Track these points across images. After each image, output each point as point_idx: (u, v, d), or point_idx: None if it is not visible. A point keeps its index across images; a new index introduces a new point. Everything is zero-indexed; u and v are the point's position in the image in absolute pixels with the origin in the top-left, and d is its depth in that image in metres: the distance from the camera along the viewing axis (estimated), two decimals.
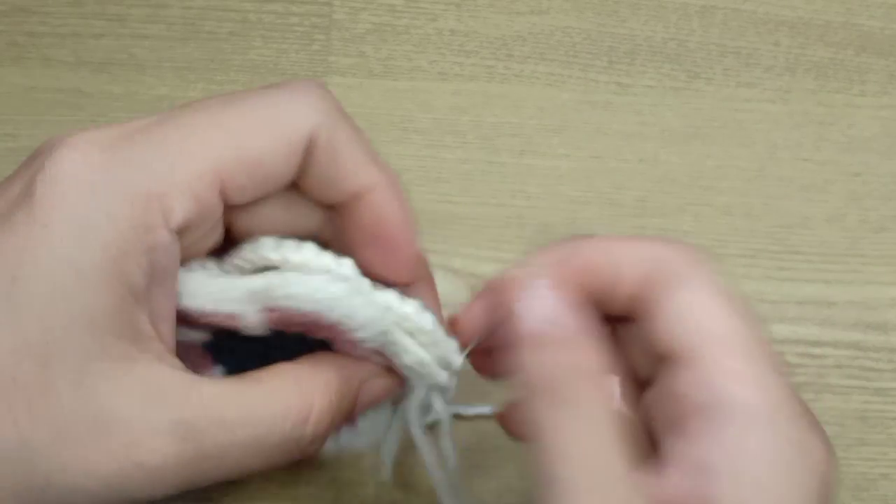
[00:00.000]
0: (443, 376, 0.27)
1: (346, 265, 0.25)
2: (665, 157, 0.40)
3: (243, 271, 0.26)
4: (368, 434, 0.29)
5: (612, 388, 0.23)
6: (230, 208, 0.25)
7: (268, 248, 0.25)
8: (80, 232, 0.22)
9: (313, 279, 0.25)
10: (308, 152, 0.25)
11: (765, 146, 0.40)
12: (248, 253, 0.26)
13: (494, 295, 0.26)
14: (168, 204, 0.23)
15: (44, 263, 0.22)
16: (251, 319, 0.26)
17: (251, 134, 0.24)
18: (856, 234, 0.39)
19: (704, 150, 0.40)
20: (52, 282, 0.22)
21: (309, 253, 0.25)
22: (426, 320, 0.26)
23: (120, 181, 0.23)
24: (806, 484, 0.22)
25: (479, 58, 0.41)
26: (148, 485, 0.23)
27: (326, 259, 0.25)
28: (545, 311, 0.23)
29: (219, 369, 0.28)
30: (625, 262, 0.24)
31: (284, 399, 0.24)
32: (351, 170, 0.25)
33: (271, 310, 0.25)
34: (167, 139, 0.23)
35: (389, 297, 0.26)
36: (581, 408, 0.22)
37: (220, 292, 0.25)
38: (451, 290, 0.37)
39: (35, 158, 0.24)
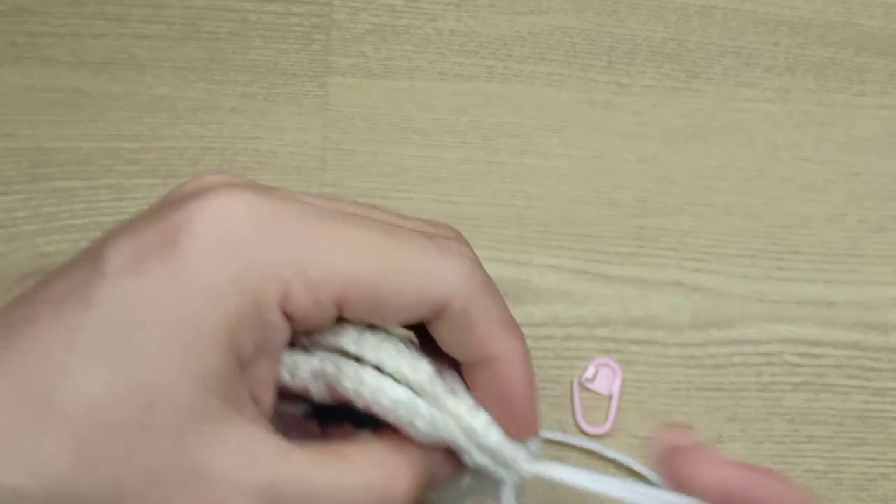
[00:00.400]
0: (509, 477, 0.27)
1: (423, 372, 0.25)
2: (665, 157, 0.40)
3: (319, 349, 0.26)
4: None
5: None
6: None
7: (348, 340, 0.25)
8: (208, 293, 0.22)
9: (380, 380, 0.25)
10: (440, 313, 0.25)
11: (765, 146, 0.40)
12: (329, 338, 0.26)
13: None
14: (289, 292, 0.23)
15: (169, 314, 0.22)
16: (321, 394, 0.26)
17: (390, 273, 0.24)
18: (856, 234, 0.39)
19: (704, 150, 0.40)
20: (172, 336, 0.22)
21: (385, 354, 0.25)
22: (492, 438, 0.26)
23: (258, 256, 0.23)
24: None
25: (479, 58, 0.41)
26: None
27: (403, 364, 0.25)
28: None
29: (301, 406, 0.28)
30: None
31: (368, 476, 0.25)
32: (480, 339, 0.25)
33: (337, 394, 0.26)
34: (310, 233, 0.24)
35: (461, 408, 0.26)
36: None
37: (293, 366, 0.26)
38: None
39: (183, 199, 0.23)
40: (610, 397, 0.36)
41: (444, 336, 0.25)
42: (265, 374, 0.25)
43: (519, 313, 0.37)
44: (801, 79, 0.41)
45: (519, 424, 0.26)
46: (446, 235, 0.26)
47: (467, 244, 0.26)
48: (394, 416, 0.25)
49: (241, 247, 0.23)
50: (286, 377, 0.26)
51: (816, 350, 0.38)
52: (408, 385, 0.25)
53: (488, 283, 0.26)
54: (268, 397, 0.25)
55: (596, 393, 0.37)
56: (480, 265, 0.26)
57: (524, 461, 0.27)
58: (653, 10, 0.42)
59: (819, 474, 0.36)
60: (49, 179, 0.38)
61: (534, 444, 0.27)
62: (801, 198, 0.40)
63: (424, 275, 0.24)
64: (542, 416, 0.36)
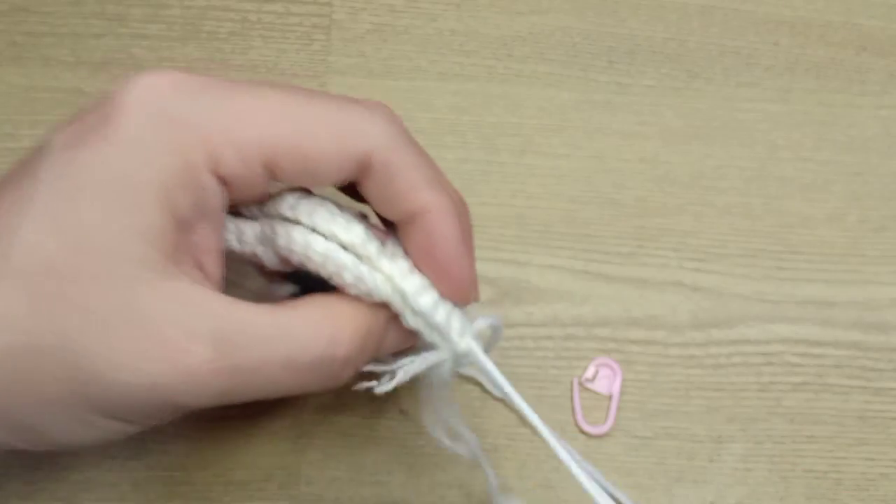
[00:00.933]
0: (446, 348, 0.28)
1: (356, 231, 0.27)
2: (665, 157, 0.40)
3: (264, 217, 0.28)
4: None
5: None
6: None
7: (285, 205, 0.27)
8: (142, 156, 0.24)
9: (307, 236, 0.27)
10: (365, 168, 0.26)
11: (765, 146, 0.40)
12: (270, 206, 0.28)
13: None
14: (218, 154, 0.25)
15: (107, 177, 0.24)
16: (271, 259, 0.28)
17: (312, 130, 0.26)
18: (856, 234, 0.39)
19: (704, 150, 0.40)
20: (111, 195, 0.24)
21: (319, 218, 0.27)
22: (422, 300, 0.27)
23: (184, 120, 0.25)
24: None
25: (480, 58, 0.41)
26: (184, 389, 0.24)
27: (335, 225, 0.27)
28: None
29: (289, 287, 0.30)
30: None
31: (317, 322, 0.26)
32: (404, 192, 0.26)
33: (282, 256, 0.28)
34: (236, 101, 0.25)
35: (394, 269, 0.27)
36: None
37: (239, 232, 0.28)
38: None
39: (115, 91, 0.26)
40: (610, 397, 0.36)
41: (373, 193, 0.27)
42: (206, 241, 0.26)
43: (519, 313, 0.37)
44: (801, 79, 0.41)
45: (450, 282, 0.27)
46: (369, 100, 0.27)
47: (390, 110, 0.27)
48: (326, 271, 0.27)
49: (169, 114, 0.25)
50: (234, 243, 0.28)
51: (817, 350, 0.38)
52: (342, 246, 0.26)
53: (411, 140, 0.27)
54: (213, 265, 0.27)
55: (596, 393, 0.37)
56: (402, 125, 0.27)
57: (456, 332, 0.27)
58: (653, 10, 0.42)
59: (819, 474, 0.36)
60: None
61: (482, 323, 0.28)
62: (801, 198, 0.40)
63: (345, 130, 0.26)
64: (542, 417, 0.36)
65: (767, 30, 0.42)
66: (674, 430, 0.37)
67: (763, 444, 0.37)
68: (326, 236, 0.27)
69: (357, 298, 0.27)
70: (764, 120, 0.41)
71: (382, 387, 0.28)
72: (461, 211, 0.27)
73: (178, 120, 0.25)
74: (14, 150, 0.38)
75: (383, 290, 0.26)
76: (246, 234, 0.28)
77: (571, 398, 0.36)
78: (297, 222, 0.27)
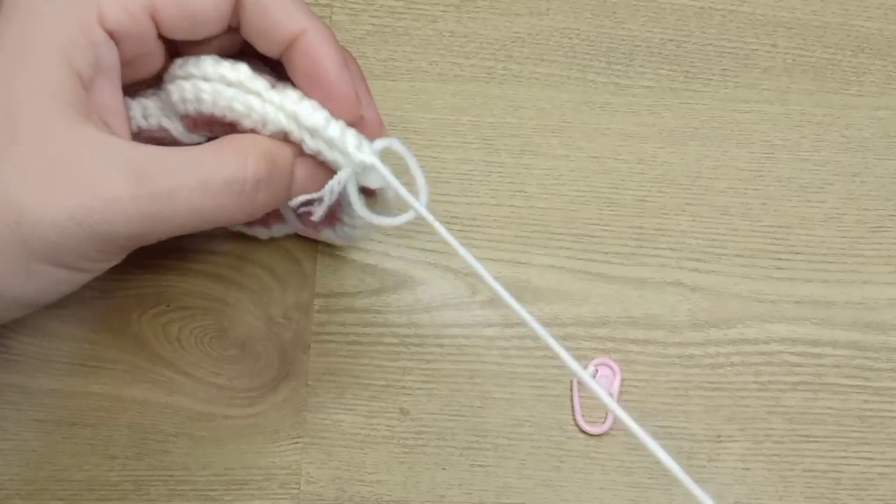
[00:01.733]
0: (347, 164, 0.29)
1: (242, 70, 0.29)
2: (663, 158, 0.40)
3: (161, 91, 0.30)
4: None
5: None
6: (176, 44, 0.30)
7: (175, 67, 0.30)
8: (34, 20, 0.27)
9: (195, 81, 0.29)
10: (238, 5, 0.29)
11: (763, 146, 0.41)
12: (164, 74, 0.30)
13: None
14: (103, 9, 0.27)
15: (8, 47, 0.27)
16: (179, 129, 0.31)
17: None
18: (854, 234, 0.39)
19: (703, 151, 0.40)
20: (15, 61, 0.26)
21: (206, 65, 0.29)
22: (315, 119, 0.29)
23: None
24: None
25: (479, 59, 0.41)
26: (108, 218, 0.26)
27: (222, 68, 0.29)
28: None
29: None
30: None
31: (223, 150, 0.28)
32: (279, 19, 0.29)
33: (185, 116, 0.30)
34: None
35: (284, 98, 0.29)
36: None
37: (144, 110, 0.31)
38: (450, 290, 0.37)
39: None
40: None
41: (252, 29, 0.29)
42: (109, 99, 0.29)
43: None
44: (798, 80, 0.41)
45: (337, 100, 0.29)
46: None
47: None
48: (220, 111, 0.29)
49: None
50: (140, 120, 0.31)
51: (815, 350, 0.38)
52: (229, 85, 0.29)
53: None
54: (119, 124, 0.29)
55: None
56: None
57: (353, 146, 0.29)
58: (651, 11, 0.42)
59: (818, 474, 0.37)
60: None
61: (380, 142, 0.29)
62: (799, 198, 0.40)
63: None
64: (542, 416, 0.36)
65: (765, 31, 0.42)
66: (673, 429, 0.37)
67: (762, 444, 0.37)
68: (215, 80, 0.29)
69: (263, 137, 0.29)
70: (762, 121, 0.41)
71: (318, 212, 0.30)
72: (332, 33, 0.30)
73: None
74: None
75: (276, 117, 0.29)
76: (149, 109, 0.31)
77: (571, 397, 0.37)
78: (187, 77, 0.29)
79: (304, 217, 0.33)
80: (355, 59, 0.32)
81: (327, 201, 0.30)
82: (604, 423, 0.36)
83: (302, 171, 0.30)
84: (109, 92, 0.29)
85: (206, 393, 0.36)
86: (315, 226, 0.34)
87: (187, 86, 0.29)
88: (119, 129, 0.29)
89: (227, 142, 0.29)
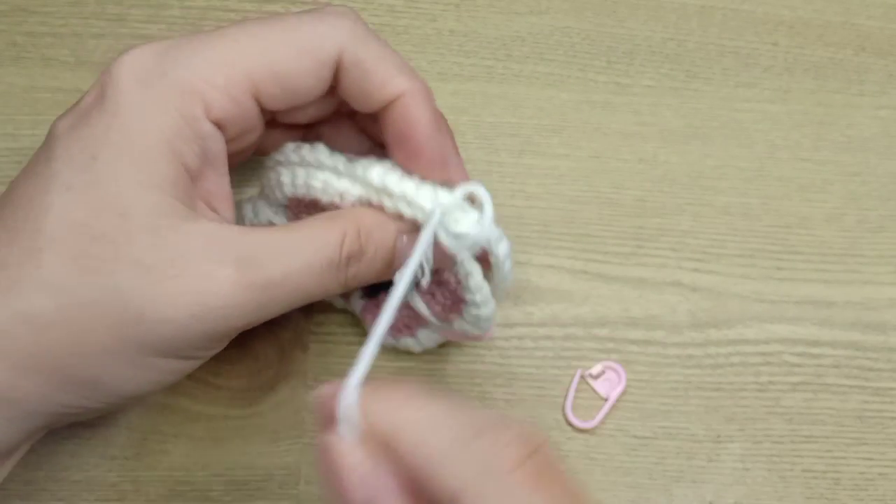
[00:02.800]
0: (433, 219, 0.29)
1: (320, 151, 0.30)
2: (664, 157, 0.40)
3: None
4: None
5: None
6: (273, 112, 0.30)
7: (276, 153, 0.31)
8: (141, 117, 0.27)
9: (320, 172, 0.30)
10: (338, 68, 0.29)
11: (764, 146, 0.40)
12: (267, 160, 0.32)
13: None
14: (208, 100, 0.27)
15: (114, 143, 0.27)
16: (284, 222, 0.32)
17: (282, 50, 0.28)
18: (854, 234, 0.39)
19: (703, 150, 0.40)
20: (122, 157, 0.27)
21: (304, 152, 0.30)
22: (377, 175, 0.29)
23: (169, 77, 0.27)
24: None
25: (479, 58, 0.41)
26: (221, 311, 0.27)
27: (319, 155, 0.30)
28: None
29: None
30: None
31: (323, 230, 0.29)
32: (379, 82, 0.29)
33: (289, 206, 0.32)
34: (209, 47, 0.28)
35: (359, 168, 0.29)
36: None
37: (255, 208, 0.32)
38: None
39: (104, 72, 0.28)
40: (605, 400, 0.36)
41: (352, 92, 0.29)
42: (216, 187, 0.29)
43: (518, 313, 0.37)
44: (800, 79, 0.41)
45: (423, 161, 0.29)
46: (326, 5, 0.30)
47: (351, 10, 0.30)
48: (320, 193, 0.30)
49: (151, 75, 0.27)
50: (251, 217, 0.33)
51: (815, 350, 0.38)
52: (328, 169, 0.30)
53: (375, 35, 0.29)
54: (225, 209, 0.30)
55: (594, 392, 0.37)
56: (365, 23, 0.29)
57: (427, 199, 0.29)
58: (652, 10, 0.42)
59: (817, 474, 0.37)
60: None
61: (461, 190, 0.29)
62: (799, 198, 0.40)
63: (314, 39, 0.28)
64: (541, 416, 0.36)
65: (766, 30, 0.42)
66: (672, 429, 0.37)
67: (761, 444, 0.37)
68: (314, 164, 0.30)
69: (362, 210, 0.30)
70: (763, 120, 0.41)
71: (424, 279, 0.29)
72: (431, 94, 0.30)
73: (166, 79, 0.27)
74: (15, 150, 0.38)
75: (353, 188, 0.29)
76: (258, 206, 0.32)
77: (569, 387, 0.36)
78: (294, 163, 0.30)
79: (429, 303, 0.32)
80: (447, 123, 0.31)
81: (417, 260, 0.28)
82: (591, 420, 0.36)
83: (410, 245, 0.30)
84: (216, 179, 0.29)
85: (206, 393, 0.36)
86: (445, 315, 0.32)
87: (300, 171, 0.30)
88: (226, 214, 0.30)
89: (327, 217, 0.29)
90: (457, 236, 0.29)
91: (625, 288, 0.38)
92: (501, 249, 0.30)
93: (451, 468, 0.22)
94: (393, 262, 0.30)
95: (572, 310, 0.38)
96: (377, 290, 0.34)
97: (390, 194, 0.29)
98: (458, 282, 0.31)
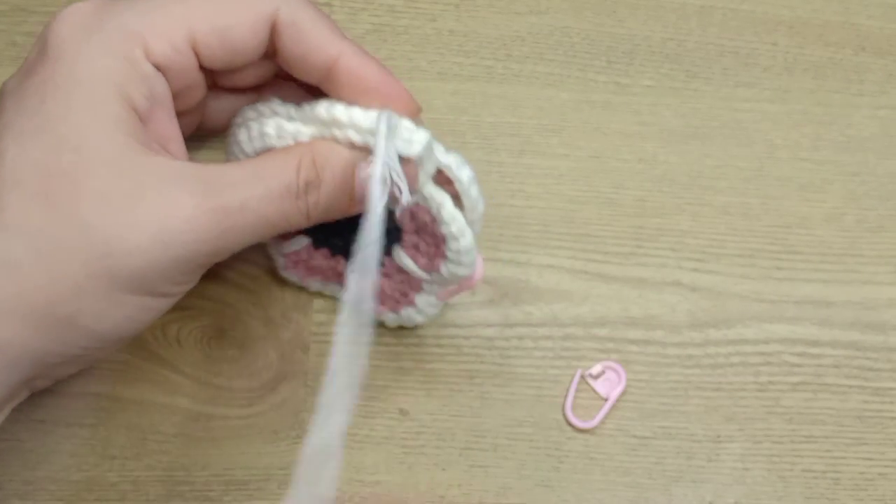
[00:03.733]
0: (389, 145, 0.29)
1: (273, 102, 0.31)
2: (664, 157, 0.40)
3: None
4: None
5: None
6: (214, 74, 0.31)
7: (235, 118, 0.32)
8: (86, 61, 0.27)
9: (271, 120, 0.30)
10: (276, 31, 0.30)
11: (763, 146, 0.40)
12: (232, 120, 0.32)
13: None
14: (148, 44, 0.28)
15: (61, 86, 0.27)
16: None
17: (221, 7, 0.29)
18: (854, 234, 0.39)
19: (703, 150, 0.40)
20: (70, 98, 0.27)
21: (262, 106, 0.31)
22: (337, 109, 0.29)
23: (110, 24, 0.28)
24: None
25: (478, 58, 0.41)
26: (187, 237, 0.27)
27: (262, 105, 0.31)
28: None
29: (302, 237, 0.34)
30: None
31: (279, 160, 0.29)
32: (317, 43, 0.30)
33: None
34: (148, 1, 0.29)
35: (308, 108, 0.30)
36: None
37: (230, 154, 0.32)
38: None
39: (45, 28, 0.29)
40: (605, 400, 0.36)
41: (290, 54, 0.30)
42: (167, 130, 0.30)
43: (518, 313, 0.37)
44: (799, 78, 0.41)
45: (393, 99, 0.30)
46: None
47: None
48: (272, 140, 0.30)
49: (92, 23, 0.28)
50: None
51: (815, 350, 0.38)
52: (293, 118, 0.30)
53: (311, 3, 0.30)
54: (177, 150, 0.30)
55: (594, 392, 0.37)
56: None
57: (372, 120, 0.29)
58: (651, 10, 0.42)
59: (817, 474, 0.37)
60: None
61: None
62: (799, 197, 0.40)
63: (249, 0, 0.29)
64: (541, 416, 0.36)
65: (766, 30, 0.42)
66: (672, 429, 0.37)
67: (761, 444, 0.37)
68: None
69: (316, 142, 0.30)
70: (762, 120, 0.41)
71: (402, 199, 0.29)
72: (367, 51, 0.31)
73: (106, 26, 0.28)
74: None
75: (305, 129, 0.30)
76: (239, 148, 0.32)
77: (569, 387, 0.36)
78: (253, 118, 0.31)
79: (414, 256, 0.33)
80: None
81: (381, 168, 0.29)
82: (591, 420, 0.36)
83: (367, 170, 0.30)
84: (165, 122, 0.30)
85: (205, 393, 0.36)
86: (432, 264, 0.33)
87: (254, 125, 0.30)
88: (180, 155, 0.30)
89: (280, 150, 0.30)
90: (409, 144, 0.29)
91: (624, 288, 0.38)
92: (465, 174, 0.30)
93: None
94: (355, 194, 0.30)
95: (572, 310, 0.38)
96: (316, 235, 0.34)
97: (339, 124, 0.29)
98: (434, 219, 0.31)
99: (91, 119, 0.27)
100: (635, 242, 0.39)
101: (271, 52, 0.31)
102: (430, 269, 0.33)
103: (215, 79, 0.32)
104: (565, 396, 0.36)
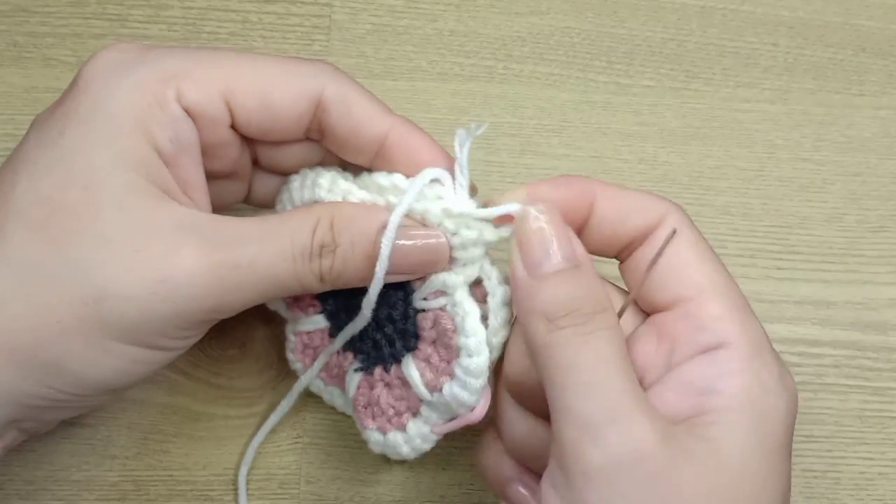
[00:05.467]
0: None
1: (333, 167, 0.30)
2: (664, 157, 0.40)
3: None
4: None
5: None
6: (257, 146, 0.30)
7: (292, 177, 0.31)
8: (112, 96, 0.27)
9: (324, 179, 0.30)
10: (324, 109, 0.29)
11: (764, 146, 0.40)
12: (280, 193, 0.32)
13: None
14: (181, 87, 0.27)
15: (82, 118, 0.26)
16: None
17: (266, 71, 0.28)
18: (854, 234, 0.39)
19: (703, 150, 0.40)
20: (89, 132, 0.26)
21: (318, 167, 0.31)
22: (397, 178, 0.29)
23: (146, 64, 0.27)
24: (783, 406, 0.26)
25: (479, 58, 0.41)
26: (188, 290, 0.26)
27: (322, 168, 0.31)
28: (567, 250, 0.26)
29: (319, 312, 0.33)
30: (630, 211, 0.28)
31: (297, 218, 0.28)
32: (367, 120, 0.29)
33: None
34: (191, 52, 0.28)
35: (375, 175, 0.29)
36: (598, 333, 0.25)
37: (279, 203, 0.32)
38: None
39: (82, 65, 0.28)
40: None
41: (337, 132, 0.29)
42: (191, 176, 0.28)
43: None
44: (799, 79, 0.41)
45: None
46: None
47: (332, 64, 0.30)
48: (322, 191, 0.30)
49: (130, 62, 0.27)
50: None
51: (815, 350, 0.38)
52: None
53: (357, 83, 0.29)
54: (201, 199, 0.29)
55: None
56: (346, 73, 0.30)
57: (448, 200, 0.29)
58: (652, 10, 0.42)
59: (818, 473, 0.37)
60: None
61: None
62: (799, 198, 0.40)
63: (298, 70, 0.28)
64: None
65: (766, 30, 0.42)
66: None
67: None
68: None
69: (340, 202, 0.29)
70: (763, 120, 0.41)
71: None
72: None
73: (143, 66, 0.27)
74: None
75: (357, 191, 0.29)
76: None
77: None
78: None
79: (423, 370, 0.30)
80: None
81: (400, 213, 0.28)
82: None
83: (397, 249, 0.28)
84: (190, 168, 0.28)
85: (206, 393, 0.36)
86: (437, 381, 0.30)
87: (310, 172, 0.30)
88: (202, 204, 0.29)
89: (303, 208, 0.29)
90: (446, 211, 0.29)
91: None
92: (501, 292, 0.29)
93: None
94: (370, 264, 0.28)
95: None
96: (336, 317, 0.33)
97: (397, 190, 0.28)
98: (455, 328, 0.29)
99: (107, 154, 0.26)
100: None
101: (318, 134, 0.30)
102: (434, 387, 0.30)
103: (257, 151, 0.31)
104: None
